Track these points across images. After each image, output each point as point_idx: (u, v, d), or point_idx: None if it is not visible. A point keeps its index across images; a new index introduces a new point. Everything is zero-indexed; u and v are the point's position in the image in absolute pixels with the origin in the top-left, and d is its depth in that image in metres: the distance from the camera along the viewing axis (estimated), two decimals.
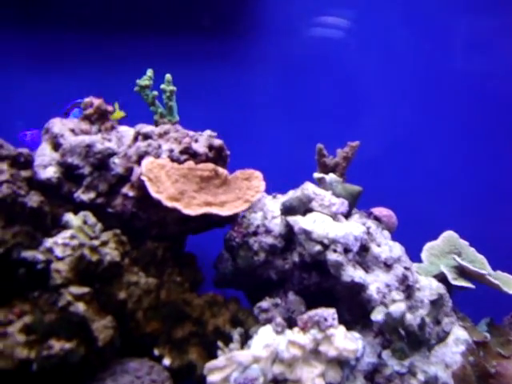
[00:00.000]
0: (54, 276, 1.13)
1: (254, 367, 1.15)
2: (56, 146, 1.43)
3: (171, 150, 1.40)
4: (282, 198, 1.50)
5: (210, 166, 1.38)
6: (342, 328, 1.21)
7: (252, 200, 1.29)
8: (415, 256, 1.59)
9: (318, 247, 1.27)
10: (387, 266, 1.32)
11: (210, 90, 2.46)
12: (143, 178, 1.26)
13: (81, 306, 1.14)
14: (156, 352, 1.28)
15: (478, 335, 1.35)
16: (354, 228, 1.30)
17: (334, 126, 2.44)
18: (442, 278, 1.46)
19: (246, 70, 2.55)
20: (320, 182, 1.67)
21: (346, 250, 1.27)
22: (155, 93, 1.76)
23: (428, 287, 1.37)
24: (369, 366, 1.24)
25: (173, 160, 1.38)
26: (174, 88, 1.74)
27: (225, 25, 2.55)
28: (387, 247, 1.37)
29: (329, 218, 1.34)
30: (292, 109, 2.50)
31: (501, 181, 2.28)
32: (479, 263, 1.54)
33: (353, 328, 1.29)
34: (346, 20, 2.49)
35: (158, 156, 1.37)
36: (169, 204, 1.23)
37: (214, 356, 1.23)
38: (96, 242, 1.19)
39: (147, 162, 1.31)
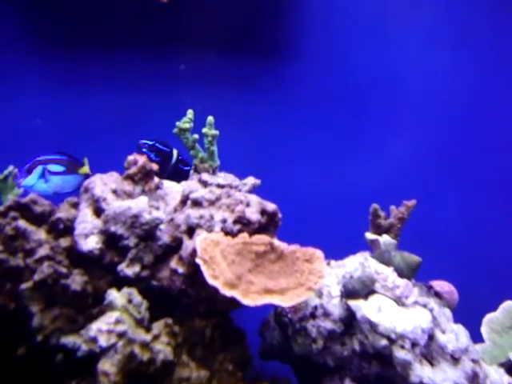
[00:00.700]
0: (101, 380, 1.02)
1: None
2: (98, 211, 1.32)
3: (224, 221, 1.29)
4: (337, 269, 1.40)
5: (266, 239, 1.27)
6: None
7: (315, 288, 1.18)
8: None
9: (384, 342, 1.16)
10: (454, 359, 1.21)
11: (242, 116, 2.37)
12: (198, 261, 1.15)
13: None
14: None
15: None
16: (421, 318, 1.20)
17: (371, 163, 2.35)
18: (510, 365, 1.34)
19: (283, 100, 2.45)
20: (373, 244, 1.56)
21: (414, 345, 1.16)
22: (196, 136, 1.66)
23: None
24: None
25: (226, 233, 1.27)
26: (217, 132, 1.64)
27: (263, 48, 2.44)
28: (453, 335, 1.26)
29: (393, 304, 1.23)
30: (328, 144, 2.40)
31: None
32: None
33: None
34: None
35: (210, 229, 1.26)
36: (227, 293, 1.12)
37: None
38: (148, 337, 1.07)
39: (201, 239, 1.20)
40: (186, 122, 1.65)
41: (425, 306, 1.30)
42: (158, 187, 1.39)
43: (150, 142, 1.65)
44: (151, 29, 2.30)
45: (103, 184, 1.37)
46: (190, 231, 1.28)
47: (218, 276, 1.16)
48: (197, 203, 1.33)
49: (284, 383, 1.30)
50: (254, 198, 1.41)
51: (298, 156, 2.37)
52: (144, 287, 1.27)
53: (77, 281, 1.15)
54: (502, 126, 2.36)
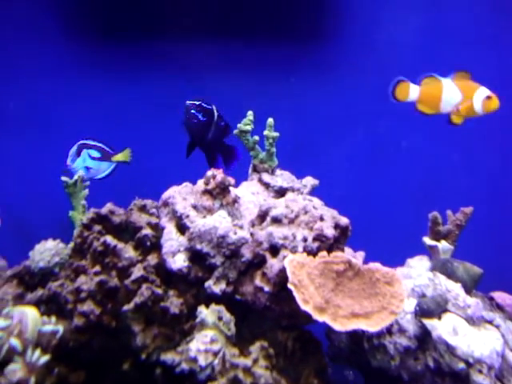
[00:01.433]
0: None
1: None
2: (181, 228, 1.37)
3: (305, 239, 1.35)
4: (403, 280, 1.46)
5: (344, 257, 1.33)
6: None
7: (398, 312, 1.25)
8: None
9: (462, 365, 1.24)
10: None
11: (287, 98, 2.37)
12: (290, 286, 1.21)
13: None
14: None
15: None
16: (494, 341, 1.27)
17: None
18: None
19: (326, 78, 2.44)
20: (431, 250, 1.63)
21: (490, 368, 1.25)
22: (257, 138, 1.69)
23: None
24: None
25: (308, 253, 1.32)
26: (277, 134, 1.67)
27: (304, 30, 2.42)
28: None
29: (465, 324, 1.31)
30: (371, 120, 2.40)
31: None
32: None
33: None
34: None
35: (295, 250, 1.31)
36: (319, 319, 1.19)
37: None
38: (248, 362, 1.15)
39: (289, 262, 1.25)
40: (246, 123, 1.68)
41: (491, 322, 1.38)
42: (235, 201, 1.43)
43: (197, 102, 1.60)
44: (196, 15, 2.27)
45: (183, 199, 1.41)
46: (273, 250, 1.33)
47: (308, 300, 1.23)
48: (277, 220, 1.38)
49: None
50: (326, 213, 1.46)
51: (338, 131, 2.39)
52: (227, 301, 1.33)
53: (175, 303, 1.22)
54: None
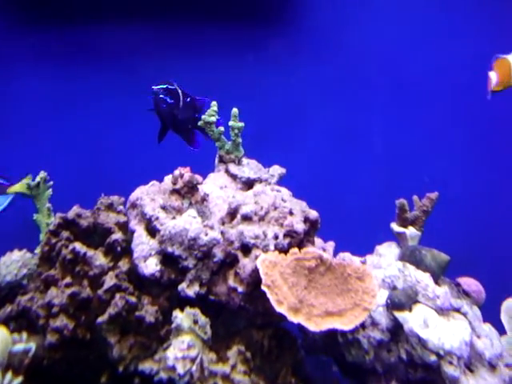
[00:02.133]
0: None
1: None
2: (151, 230, 1.35)
3: (276, 237, 1.35)
4: (373, 270, 1.48)
5: (315, 253, 1.34)
6: None
7: (371, 308, 1.27)
8: None
9: (434, 358, 1.28)
10: (492, 365, 1.35)
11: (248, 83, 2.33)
12: (264, 288, 1.22)
13: None
14: None
15: None
16: (462, 331, 1.31)
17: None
18: None
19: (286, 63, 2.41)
20: (399, 236, 1.66)
21: (459, 358, 1.29)
22: (222, 129, 1.67)
23: None
24: None
25: (280, 250, 1.33)
26: (242, 124, 1.65)
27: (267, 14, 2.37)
28: (488, 340, 1.38)
29: (435, 315, 1.35)
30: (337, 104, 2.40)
31: None
32: None
33: None
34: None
35: (266, 249, 1.31)
36: (294, 320, 1.20)
37: None
38: (227, 369, 1.16)
39: (261, 262, 1.26)
40: (211, 115, 1.65)
41: (459, 310, 1.42)
42: (204, 199, 1.41)
43: (163, 86, 1.58)
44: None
45: (151, 200, 1.38)
46: (245, 249, 1.33)
47: (282, 301, 1.23)
48: (247, 218, 1.37)
49: None
50: (296, 206, 1.46)
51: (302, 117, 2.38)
52: (201, 301, 1.33)
53: (150, 312, 1.21)
54: None
